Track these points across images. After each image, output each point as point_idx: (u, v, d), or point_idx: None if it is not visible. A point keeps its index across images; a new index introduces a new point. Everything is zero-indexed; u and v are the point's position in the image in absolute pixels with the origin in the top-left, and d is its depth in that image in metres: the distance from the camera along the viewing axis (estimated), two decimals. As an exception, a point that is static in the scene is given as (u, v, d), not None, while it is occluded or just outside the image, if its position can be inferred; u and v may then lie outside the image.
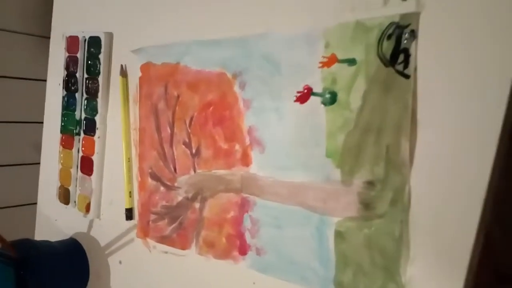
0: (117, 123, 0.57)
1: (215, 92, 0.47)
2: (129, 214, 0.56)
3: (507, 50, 0.30)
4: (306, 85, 0.40)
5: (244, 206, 0.45)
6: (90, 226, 0.62)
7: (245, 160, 0.45)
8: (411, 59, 0.34)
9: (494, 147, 0.31)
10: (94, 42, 0.58)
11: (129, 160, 0.56)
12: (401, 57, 0.35)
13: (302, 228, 0.41)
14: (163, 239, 0.53)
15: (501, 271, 0.42)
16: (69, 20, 0.65)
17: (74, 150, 0.62)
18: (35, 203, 0.72)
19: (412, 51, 0.34)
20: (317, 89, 0.39)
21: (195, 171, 0.49)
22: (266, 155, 0.43)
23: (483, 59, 0.31)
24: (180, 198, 0.51)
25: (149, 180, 0.54)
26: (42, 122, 0.70)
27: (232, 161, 0.46)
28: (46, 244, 0.61)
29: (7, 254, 0.54)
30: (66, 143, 0.63)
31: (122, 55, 0.57)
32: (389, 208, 0.36)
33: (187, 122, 0.50)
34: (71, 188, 0.63)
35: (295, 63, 0.41)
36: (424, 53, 0.34)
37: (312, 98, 0.40)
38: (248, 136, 0.44)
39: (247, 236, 0.45)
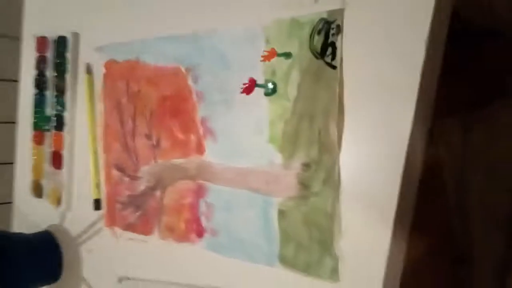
0: (85, 118, 0.60)
1: (172, 87, 0.50)
2: (97, 204, 0.59)
3: (417, 45, 0.34)
4: (251, 77, 0.43)
5: (199, 192, 0.48)
6: (62, 218, 0.65)
7: (200, 149, 0.48)
8: (338, 51, 0.38)
9: (408, 129, 0.35)
10: (61, 42, 0.61)
11: (95, 153, 0.59)
12: (329, 50, 0.38)
13: (249, 210, 0.44)
14: (128, 227, 0.56)
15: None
16: (39, 21, 0.68)
17: (46, 145, 0.65)
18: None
19: (338, 44, 0.38)
20: (260, 81, 0.43)
21: (155, 161, 0.52)
22: (218, 143, 0.47)
23: (398, 51, 0.35)
24: (142, 187, 0.54)
25: (114, 171, 0.57)
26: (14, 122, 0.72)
27: (188, 150, 0.49)
28: (19, 235, 0.64)
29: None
30: (38, 139, 0.66)
31: (88, 54, 0.60)
32: (323, 187, 0.39)
33: (147, 115, 0.53)
34: (43, 182, 0.66)
35: (241, 57, 0.44)
36: (348, 45, 0.37)
37: (256, 89, 0.43)
38: (201, 127, 0.48)
39: (203, 219, 0.48)
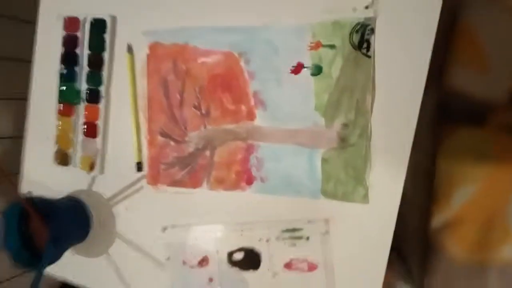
0: (121, 93, 0.69)
1: (223, 67, 0.63)
2: (139, 166, 0.68)
3: (423, 41, 0.53)
4: (299, 61, 0.59)
5: (249, 149, 0.62)
6: (92, 183, 0.72)
7: (251, 116, 0.62)
8: (371, 46, 0.56)
9: (419, 100, 0.54)
10: (98, 24, 0.69)
11: (137, 122, 0.68)
12: (365, 45, 0.56)
13: (297, 159, 0.60)
14: (174, 183, 0.67)
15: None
16: (60, 2, 0.73)
17: (74, 117, 0.71)
18: None
19: (371, 41, 0.56)
20: (307, 64, 0.59)
21: (205, 127, 0.65)
22: (268, 112, 0.61)
23: (411, 47, 0.54)
24: (191, 149, 0.66)
25: (159, 137, 0.67)
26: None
27: (239, 117, 0.63)
28: (54, 200, 0.70)
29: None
30: (65, 111, 0.72)
31: (125, 35, 0.69)
32: (358, 139, 0.57)
33: (197, 89, 0.64)
34: (70, 151, 0.72)
35: (289, 46, 0.59)
36: (379, 42, 0.55)
37: (303, 70, 0.59)
38: (253, 98, 0.62)
39: (253, 170, 0.62)
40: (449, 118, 0.82)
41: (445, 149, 0.81)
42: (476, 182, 0.79)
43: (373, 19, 0.55)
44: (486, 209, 0.79)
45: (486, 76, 0.83)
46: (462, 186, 0.81)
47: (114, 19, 0.69)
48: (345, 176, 0.58)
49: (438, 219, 0.83)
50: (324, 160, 0.59)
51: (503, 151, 0.77)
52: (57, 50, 0.72)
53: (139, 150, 0.68)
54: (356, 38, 0.56)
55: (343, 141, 0.58)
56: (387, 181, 0.56)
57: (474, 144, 0.84)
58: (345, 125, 0.58)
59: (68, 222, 0.70)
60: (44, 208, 0.65)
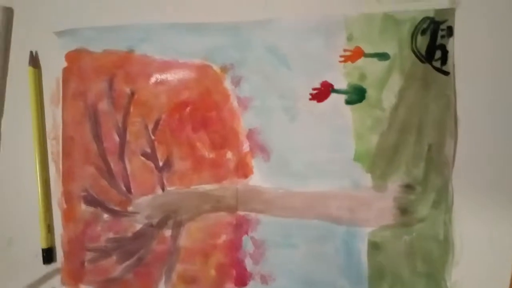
0: (18, 130, 0.41)
1: (194, 89, 0.38)
2: (48, 255, 0.40)
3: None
4: (324, 81, 0.36)
5: (242, 226, 0.37)
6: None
7: (243, 170, 0.37)
8: (449, 55, 0.34)
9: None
10: (-21, 18, 0.41)
11: (45, 181, 0.41)
12: (438, 54, 0.34)
13: (324, 244, 0.36)
14: (109, 283, 0.39)
15: None
16: None
17: None
18: None
19: (449, 47, 0.34)
20: (339, 85, 0.35)
21: (163, 189, 0.38)
22: (273, 162, 0.36)
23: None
24: (138, 226, 0.39)
25: (83, 206, 0.40)
26: None
27: (222, 172, 0.37)
28: None
29: None
30: None
31: (28, 38, 0.42)
32: (431, 210, 0.34)
33: (150, 127, 0.39)
34: None
35: (308, 56, 0.36)
36: (462, 50, 0.34)
37: (332, 95, 0.35)
38: (247, 141, 0.37)
39: (248, 263, 0.37)
40: None
41: None
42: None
43: (451, 12, 0.34)
44: None
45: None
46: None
47: (9, 12, 0.42)
48: (409, 273, 0.34)
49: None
50: (374, 246, 0.35)
51: None
52: None
53: (48, 228, 0.40)
54: (422, 42, 0.34)
55: (405, 213, 0.34)
56: (482, 279, 0.33)
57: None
58: (408, 187, 0.34)
59: None
60: None
